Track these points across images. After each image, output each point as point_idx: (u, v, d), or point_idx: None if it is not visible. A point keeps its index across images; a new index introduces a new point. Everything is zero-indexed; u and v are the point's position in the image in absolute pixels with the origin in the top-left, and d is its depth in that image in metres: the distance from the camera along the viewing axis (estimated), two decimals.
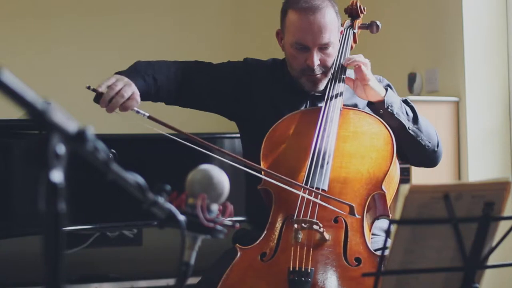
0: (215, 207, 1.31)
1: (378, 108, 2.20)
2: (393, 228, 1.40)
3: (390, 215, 2.09)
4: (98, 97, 2.06)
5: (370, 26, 2.47)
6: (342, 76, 2.25)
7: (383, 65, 4.02)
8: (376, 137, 2.15)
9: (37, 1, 4.47)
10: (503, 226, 1.47)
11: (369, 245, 1.99)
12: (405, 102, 2.27)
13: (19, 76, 0.94)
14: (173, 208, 1.21)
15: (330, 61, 2.22)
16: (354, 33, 2.41)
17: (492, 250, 1.46)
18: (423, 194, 1.38)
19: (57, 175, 0.93)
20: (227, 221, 1.30)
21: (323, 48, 2.19)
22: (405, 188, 1.36)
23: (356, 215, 2.00)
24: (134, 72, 2.19)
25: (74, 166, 1.01)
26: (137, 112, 2.05)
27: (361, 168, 2.09)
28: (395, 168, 2.15)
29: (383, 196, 2.08)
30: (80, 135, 0.97)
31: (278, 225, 2.05)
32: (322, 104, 2.20)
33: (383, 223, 2.20)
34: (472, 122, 3.76)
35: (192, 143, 2.02)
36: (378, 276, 1.43)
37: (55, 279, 0.93)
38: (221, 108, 2.36)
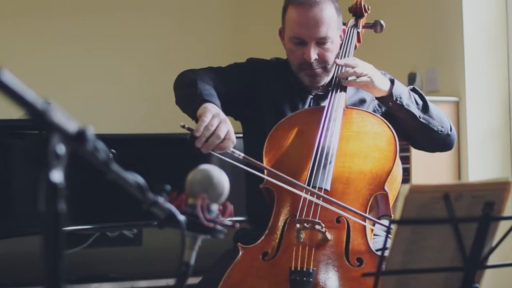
0: (215, 207, 1.31)
1: (387, 101, 2.20)
2: (393, 228, 1.40)
3: (393, 215, 2.09)
4: (194, 137, 1.99)
5: (374, 26, 2.46)
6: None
7: (383, 65, 3.99)
8: (379, 137, 2.15)
9: (37, 1, 4.47)
10: (503, 226, 1.47)
11: (371, 246, 1.99)
12: (413, 90, 2.28)
13: (19, 76, 0.94)
14: (173, 208, 1.21)
15: (329, 56, 2.21)
16: (358, 32, 2.40)
17: (492, 250, 1.46)
18: (423, 194, 1.38)
19: (57, 175, 0.93)
20: (227, 221, 1.30)
21: (320, 42, 2.19)
22: (405, 188, 1.36)
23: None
24: (208, 91, 2.12)
25: (74, 166, 1.01)
26: (232, 152, 2.01)
27: (364, 168, 2.09)
28: (398, 169, 2.14)
29: (385, 196, 2.08)
30: (80, 135, 0.97)
31: (280, 224, 2.05)
32: (325, 104, 2.20)
33: (385, 224, 2.20)
34: (472, 122, 3.76)
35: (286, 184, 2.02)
36: (378, 276, 1.43)
37: (55, 279, 0.93)
38: (230, 110, 2.34)
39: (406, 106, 2.19)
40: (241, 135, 2.44)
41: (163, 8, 4.71)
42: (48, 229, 0.93)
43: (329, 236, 1.98)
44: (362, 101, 2.30)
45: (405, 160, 3.50)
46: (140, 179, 1.14)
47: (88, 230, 3.29)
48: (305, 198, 2.02)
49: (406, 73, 4.07)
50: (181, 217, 1.21)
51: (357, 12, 2.45)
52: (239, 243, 2.05)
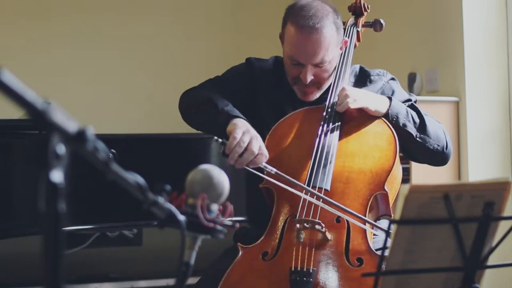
0: (215, 207, 1.31)
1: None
2: (393, 228, 1.40)
3: (393, 215, 2.08)
4: (226, 154, 2.02)
5: (374, 24, 2.44)
6: (346, 75, 2.24)
7: (383, 65, 4.01)
8: (379, 136, 2.14)
9: (37, 1, 4.47)
10: (503, 226, 1.47)
11: (371, 246, 1.99)
12: (411, 106, 2.23)
13: (19, 76, 0.94)
14: (173, 208, 1.21)
15: (325, 75, 2.19)
16: (357, 31, 2.39)
17: (492, 250, 1.46)
18: (423, 194, 1.38)
19: (57, 175, 0.93)
20: (227, 221, 1.30)
21: (318, 65, 2.16)
22: (405, 188, 1.36)
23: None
24: (230, 106, 2.13)
25: (74, 166, 1.01)
26: (265, 167, 2.02)
27: (364, 167, 2.09)
28: (398, 168, 2.14)
29: (385, 196, 2.08)
30: (80, 135, 0.97)
31: (280, 224, 2.05)
32: (326, 103, 2.19)
33: (385, 223, 2.19)
34: (472, 122, 3.76)
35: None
36: (378, 276, 1.43)
37: (55, 279, 0.93)
38: None
39: (402, 126, 2.15)
40: None
41: (163, 8, 4.71)
42: (48, 229, 0.93)
43: (329, 236, 1.98)
44: None
45: (405, 160, 3.49)
46: (140, 179, 1.14)
47: (88, 230, 3.29)
48: (305, 198, 2.02)
49: (406, 73, 4.07)
50: (181, 217, 1.21)
51: (356, 11, 2.44)
52: (239, 243, 2.05)
